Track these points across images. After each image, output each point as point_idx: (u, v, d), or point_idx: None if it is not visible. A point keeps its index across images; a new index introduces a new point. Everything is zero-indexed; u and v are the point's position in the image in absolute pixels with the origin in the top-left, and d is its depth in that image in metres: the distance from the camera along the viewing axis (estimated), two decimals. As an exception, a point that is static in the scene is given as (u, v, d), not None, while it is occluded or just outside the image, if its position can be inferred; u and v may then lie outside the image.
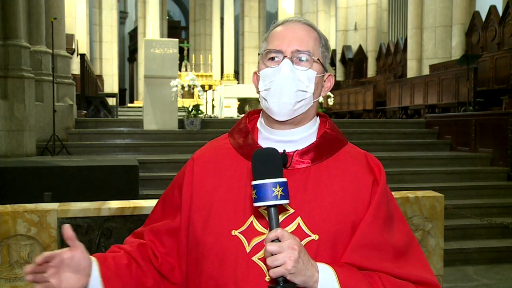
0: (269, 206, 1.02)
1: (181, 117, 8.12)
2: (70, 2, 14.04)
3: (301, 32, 1.19)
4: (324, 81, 1.25)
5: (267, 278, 1.09)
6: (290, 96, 1.16)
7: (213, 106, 12.34)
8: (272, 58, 1.19)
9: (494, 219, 5.21)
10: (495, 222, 5.16)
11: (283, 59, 1.17)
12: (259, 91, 1.22)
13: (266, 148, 1.10)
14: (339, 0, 16.75)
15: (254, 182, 1.03)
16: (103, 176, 4.40)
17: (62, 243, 2.48)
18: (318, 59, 1.20)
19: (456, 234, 5.34)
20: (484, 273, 4.82)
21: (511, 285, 4.58)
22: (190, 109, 7.98)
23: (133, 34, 25.48)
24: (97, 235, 2.53)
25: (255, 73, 1.26)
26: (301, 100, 1.17)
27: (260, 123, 1.27)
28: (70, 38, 12.51)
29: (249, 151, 1.19)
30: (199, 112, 8.09)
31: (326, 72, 1.24)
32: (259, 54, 1.24)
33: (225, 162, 1.23)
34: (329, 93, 9.98)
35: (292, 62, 1.17)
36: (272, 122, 1.21)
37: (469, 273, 4.82)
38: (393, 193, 3.22)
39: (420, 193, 3.05)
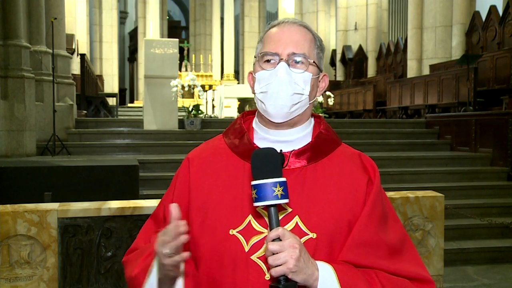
0: (269, 206, 1.03)
1: (181, 117, 8.12)
2: (70, 2, 14.04)
3: (296, 35, 1.20)
4: (319, 81, 1.26)
5: (266, 277, 1.09)
6: (286, 99, 1.16)
7: (213, 106, 12.36)
8: (268, 61, 1.19)
9: (494, 219, 5.20)
10: (495, 222, 5.15)
11: (279, 61, 1.17)
12: (254, 92, 1.22)
13: (266, 148, 1.11)
14: (339, 0, 16.75)
15: (254, 182, 1.03)
16: (103, 176, 4.39)
17: (62, 243, 2.48)
18: (314, 62, 1.20)
19: (456, 234, 5.34)
20: (484, 273, 4.82)
21: (511, 285, 4.58)
22: (190, 109, 7.98)
23: (133, 34, 25.45)
24: (97, 235, 2.53)
25: (250, 73, 1.26)
26: (298, 102, 1.18)
27: (256, 123, 1.27)
28: (70, 38, 12.51)
29: (245, 151, 1.20)
30: (199, 112, 8.08)
31: (321, 72, 1.25)
32: (255, 57, 1.24)
33: (221, 162, 1.24)
34: (329, 93, 9.97)
35: (288, 64, 1.17)
36: (268, 123, 1.22)
37: (469, 273, 4.82)
38: (393, 193, 3.22)
39: (420, 193, 3.04)
